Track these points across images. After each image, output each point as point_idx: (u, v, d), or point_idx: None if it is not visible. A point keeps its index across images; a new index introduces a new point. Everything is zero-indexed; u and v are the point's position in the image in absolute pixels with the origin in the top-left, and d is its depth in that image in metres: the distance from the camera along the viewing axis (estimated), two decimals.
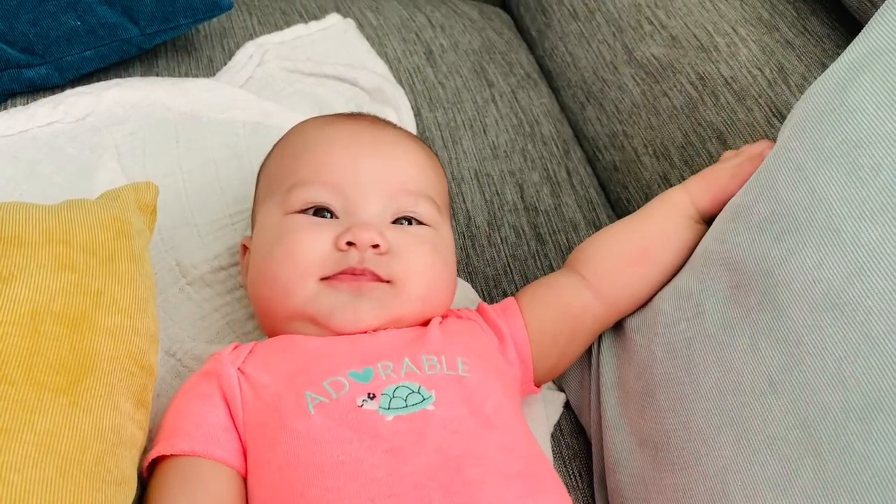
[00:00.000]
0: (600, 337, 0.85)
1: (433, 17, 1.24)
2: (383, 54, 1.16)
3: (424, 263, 0.75)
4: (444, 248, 0.79)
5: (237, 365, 0.71)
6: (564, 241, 1.03)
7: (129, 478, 0.65)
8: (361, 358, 0.70)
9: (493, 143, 1.10)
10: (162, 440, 0.68)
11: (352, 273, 0.73)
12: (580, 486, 0.83)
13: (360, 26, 1.19)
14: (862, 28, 0.74)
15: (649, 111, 1.07)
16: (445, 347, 0.72)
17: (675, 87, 1.04)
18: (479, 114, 1.13)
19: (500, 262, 0.99)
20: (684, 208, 0.82)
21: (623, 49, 1.12)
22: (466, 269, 0.97)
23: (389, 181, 0.77)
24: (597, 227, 1.05)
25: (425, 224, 0.78)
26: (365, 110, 1.03)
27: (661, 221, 0.82)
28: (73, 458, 0.60)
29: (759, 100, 0.95)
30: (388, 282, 0.73)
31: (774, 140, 0.79)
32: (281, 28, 1.15)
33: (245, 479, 0.68)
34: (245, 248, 0.83)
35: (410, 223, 0.77)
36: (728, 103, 0.98)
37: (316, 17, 1.18)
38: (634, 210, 0.88)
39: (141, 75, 1.06)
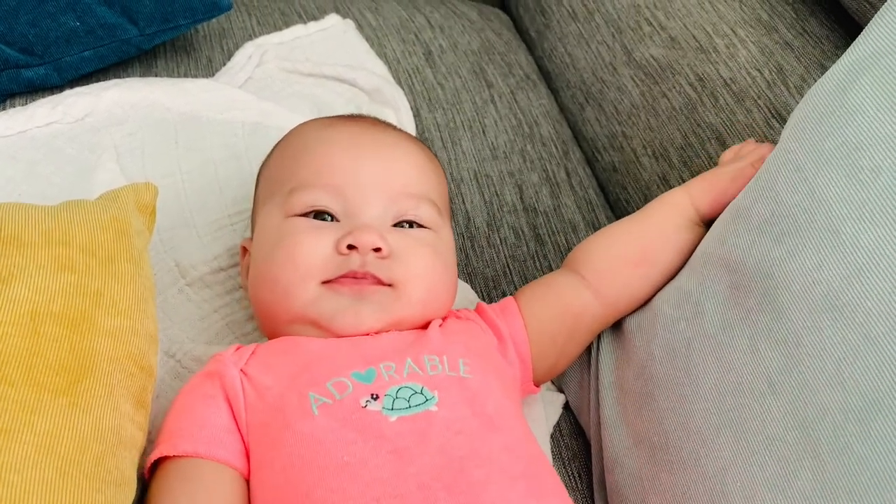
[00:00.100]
0: (599, 337, 0.85)
1: (432, 17, 1.24)
2: (382, 55, 1.16)
3: (425, 266, 0.75)
4: (445, 251, 0.79)
5: (240, 366, 0.71)
6: (564, 241, 1.03)
7: (129, 478, 0.65)
8: (364, 359, 0.70)
9: (492, 143, 1.10)
10: (164, 441, 0.68)
11: (353, 277, 0.73)
12: (580, 486, 0.83)
13: (360, 27, 1.19)
14: (861, 29, 0.74)
15: (648, 112, 1.07)
16: (446, 348, 0.72)
17: (675, 88, 1.04)
18: (479, 115, 1.13)
19: (500, 262, 0.99)
20: (684, 210, 0.82)
21: (622, 50, 1.12)
22: (466, 270, 0.97)
23: (390, 183, 0.77)
24: (596, 227, 1.05)
25: (426, 227, 0.78)
26: (364, 111, 1.03)
27: (661, 222, 0.82)
28: (73, 459, 0.60)
29: (758, 101, 0.95)
30: (389, 285, 0.73)
31: (775, 143, 0.79)
32: (280, 29, 1.15)
33: (247, 481, 0.68)
34: (245, 250, 0.83)
35: (411, 226, 0.77)
36: (727, 104, 0.98)
37: (315, 18, 1.18)
38: (634, 211, 0.88)
39: (140, 76, 1.06)
